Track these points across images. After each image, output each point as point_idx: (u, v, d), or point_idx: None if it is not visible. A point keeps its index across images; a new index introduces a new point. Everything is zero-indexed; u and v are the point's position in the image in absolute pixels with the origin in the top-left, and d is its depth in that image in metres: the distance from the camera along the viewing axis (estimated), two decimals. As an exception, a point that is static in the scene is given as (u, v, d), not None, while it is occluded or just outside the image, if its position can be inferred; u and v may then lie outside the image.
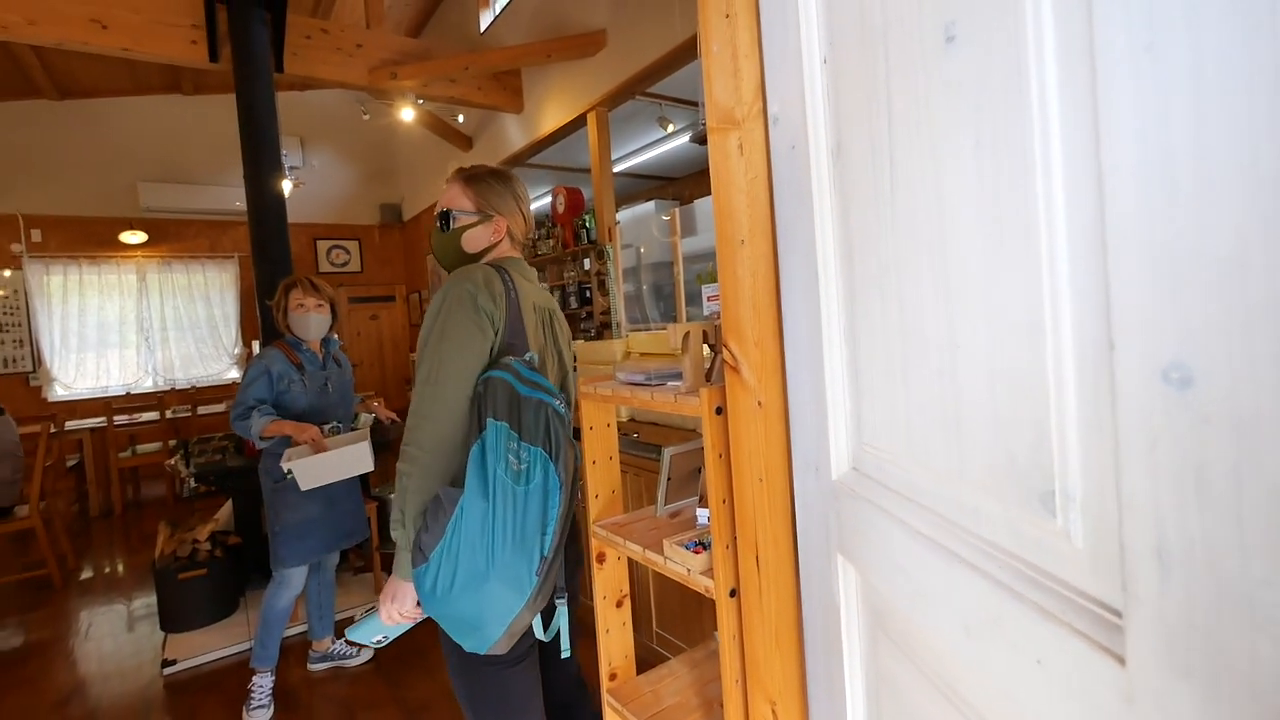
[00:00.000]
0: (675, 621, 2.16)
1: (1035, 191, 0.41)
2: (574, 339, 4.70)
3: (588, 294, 5.15)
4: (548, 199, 5.98)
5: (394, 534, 1.08)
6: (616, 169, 6.63)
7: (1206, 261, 0.31)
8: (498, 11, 5.45)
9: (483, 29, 5.66)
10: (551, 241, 5.36)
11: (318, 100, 7.17)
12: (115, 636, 3.04)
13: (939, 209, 0.52)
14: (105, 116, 6.20)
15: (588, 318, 5.16)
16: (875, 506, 0.65)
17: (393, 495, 3.82)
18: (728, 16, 0.84)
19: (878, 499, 0.65)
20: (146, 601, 3.37)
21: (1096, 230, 0.36)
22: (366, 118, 5.59)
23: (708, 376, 1.00)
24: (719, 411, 0.91)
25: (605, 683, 1.21)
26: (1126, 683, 0.36)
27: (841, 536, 0.72)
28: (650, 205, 5.10)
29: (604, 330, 4.80)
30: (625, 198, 6.24)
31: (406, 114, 5.14)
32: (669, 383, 1.08)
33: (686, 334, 0.99)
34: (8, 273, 6.11)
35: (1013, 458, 0.46)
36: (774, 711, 0.83)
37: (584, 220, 5.12)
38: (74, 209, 6.29)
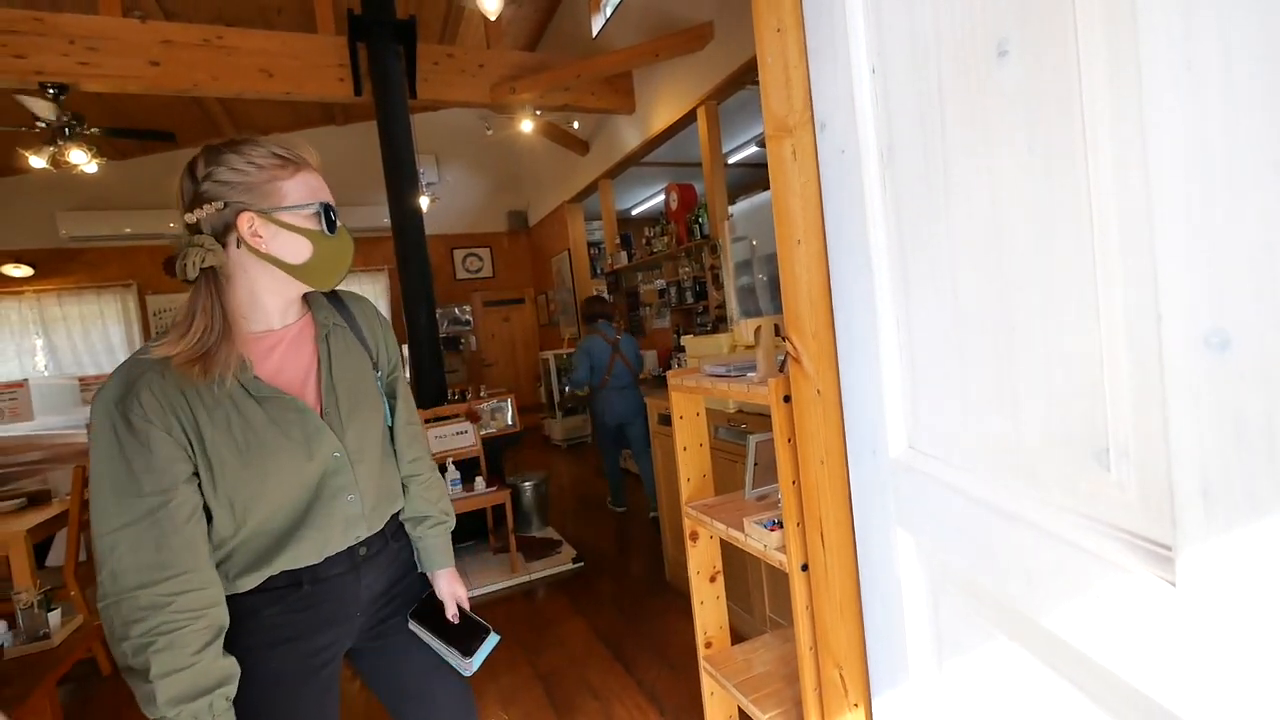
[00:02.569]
0: (786, 603, 2.21)
1: (1085, 188, 0.48)
2: (690, 333, 4.79)
3: (700, 288, 5.23)
4: (661, 197, 6.12)
5: None
6: (731, 160, 6.65)
7: (1240, 244, 0.36)
8: (608, 15, 5.63)
9: (594, 33, 5.87)
10: (666, 239, 5.48)
11: (448, 118, 7.73)
12: None
13: (993, 207, 0.58)
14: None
15: (704, 312, 5.24)
16: (934, 479, 0.70)
17: (525, 483, 4.13)
18: (779, 30, 0.90)
19: (936, 472, 0.70)
20: None
21: (1144, 218, 0.43)
22: (489, 133, 5.99)
23: (781, 368, 1.07)
24: (786, 400, 0.97)
25: (701, 650, 1.31)
26: (1178, 602, 0.42)
27: (899, 510, 0.77)
28: (766, 195, 5.08)
29: (719, 324, 4.86)
30: (741, 189, 6.24)
31: (526, 125, 5.44)
32: (747, 374, 1.15)
33: (758, 328, 1.06)
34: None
35: (1068, 423, 0.52)
36: (840, 675, 0.89)
37: (697, 215, 5.20)
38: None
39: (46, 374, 6.59)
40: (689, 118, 4.80)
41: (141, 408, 0.86)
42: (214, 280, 0.93)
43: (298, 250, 0.95)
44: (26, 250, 6.61)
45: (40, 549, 2.91)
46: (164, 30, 3.93)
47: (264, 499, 0.93)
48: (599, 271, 7.16)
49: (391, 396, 1.18)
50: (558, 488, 5.44)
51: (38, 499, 3.02)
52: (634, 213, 8.88)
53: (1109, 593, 0.47)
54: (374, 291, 7.71)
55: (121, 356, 6.94)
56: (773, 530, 1.04)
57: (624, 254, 6.19)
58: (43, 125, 4.00)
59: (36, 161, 4.26)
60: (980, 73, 0.57)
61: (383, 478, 1.10)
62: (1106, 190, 0.46)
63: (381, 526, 1.09)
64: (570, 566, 3.57)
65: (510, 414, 4.14)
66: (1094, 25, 0.45)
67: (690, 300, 5.37)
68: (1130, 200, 0.44)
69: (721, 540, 1.28)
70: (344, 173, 7.27)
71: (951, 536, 0.68)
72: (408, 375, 3.96)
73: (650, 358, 5.46)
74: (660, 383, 4.92)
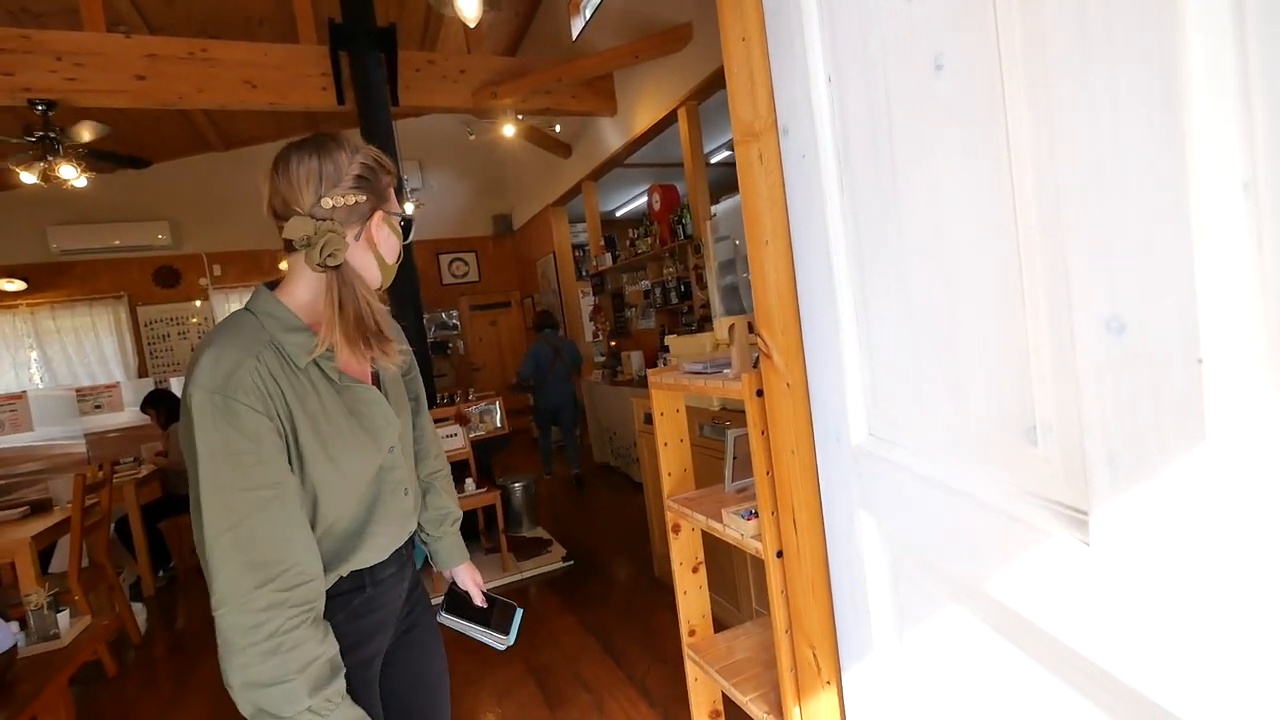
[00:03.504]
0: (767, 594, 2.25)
1: (1010, 192, 0.53)
2: (675, 333, 4.90)
3: (685, 289, 5.27)
4: (644, 198, 6.16)
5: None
6: (713, 160, 6.69)
7: (1128, 240, 0.41)
8: (588, 17, 5.67)
9: (574, 36, 5.90)
10: (650, 240, 5.53)
11: (431, 123, 7.73)
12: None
13: (936, 207, 0.62)
14: (263, 159, 7.08)
15: (688, 312, 5.29)
16: (891, 464, 0.75)
17: (515, 484, 4.17)
18: (744, 40, 0.94)
19: (893, 457, 0.75)
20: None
21: (1056, 219, 0.47)
22: (473, 138, 6.01)
23: (755, 364, 1.11)
24: (759, 394, 1.02)
25: (685, 638, 1.35)
26: (1092, 560, 0.48)
27: (862, 493, 0.82)
28: (745, 193, 5.13)
29: (704, 323, 4.91)
30: (723, 188, 6.30)
31: (508, 130, 5.47)
32: (724, 371, 1.19)
33: (732, 326, 1.10)
34: (199, 302, 7.22)
35: (1003, 404, 0.56)
36: (814, 655, 0.93)
37: (680, 215, 5.24)
38: (245, 244, 7.24)
39: (41, 386, 6.63)
40: (670, 118, 4.84)
41: (246, 393, 0.82)
42: (341, 270, 0.92)
43: (391, 251, 0.99)
44: (19, 265, 6.64)
45: (43, 555, 2.95)
46: (149, 44, 3.94)
47: (341, 494, 0.92)
48: (584, 274, 7.19)
49: (414, 396, 1.19)
50: (546, 489, 5.47)
51: (40, 507, 3.07)
52: (618, 214, 8.92)
53: (1037, 557, 0.52)
54: (360, 298, 7.70)
55: (115, 368, 6.96)
56: (749, 520, 1.08)
57: (608, 256, 6.22)
58: (32, 140, 4.00)
59: (28, 177, 4.27)
60: (921, 83, 0.61)
61: (414, 473, 1.12)
62: (1028, 195, 0.50)
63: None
64: (560, 565, 3.60)
65: (499, 416, 4.17)
66: (1014, 44, 0.49)
67: (675, 300, 5.42)
68: (1046, 202, 0.48)
69: (704, 533, 1.32)
70: (327, 179, 7.31)
71: (907, 515, 0.73)
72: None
73: (636, 358, 5.50)
74: (646, 382, 4.96)
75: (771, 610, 1.02)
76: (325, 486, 0.90)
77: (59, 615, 1.83)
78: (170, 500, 4.16)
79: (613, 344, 6.27)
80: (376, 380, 1.03)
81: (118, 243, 6.86)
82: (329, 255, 0.89)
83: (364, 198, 0.93)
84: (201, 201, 7.06)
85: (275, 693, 0.81)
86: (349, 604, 0.97)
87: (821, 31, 0.80)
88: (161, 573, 4.09)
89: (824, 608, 0.92)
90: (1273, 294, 0.34)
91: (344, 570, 0.95)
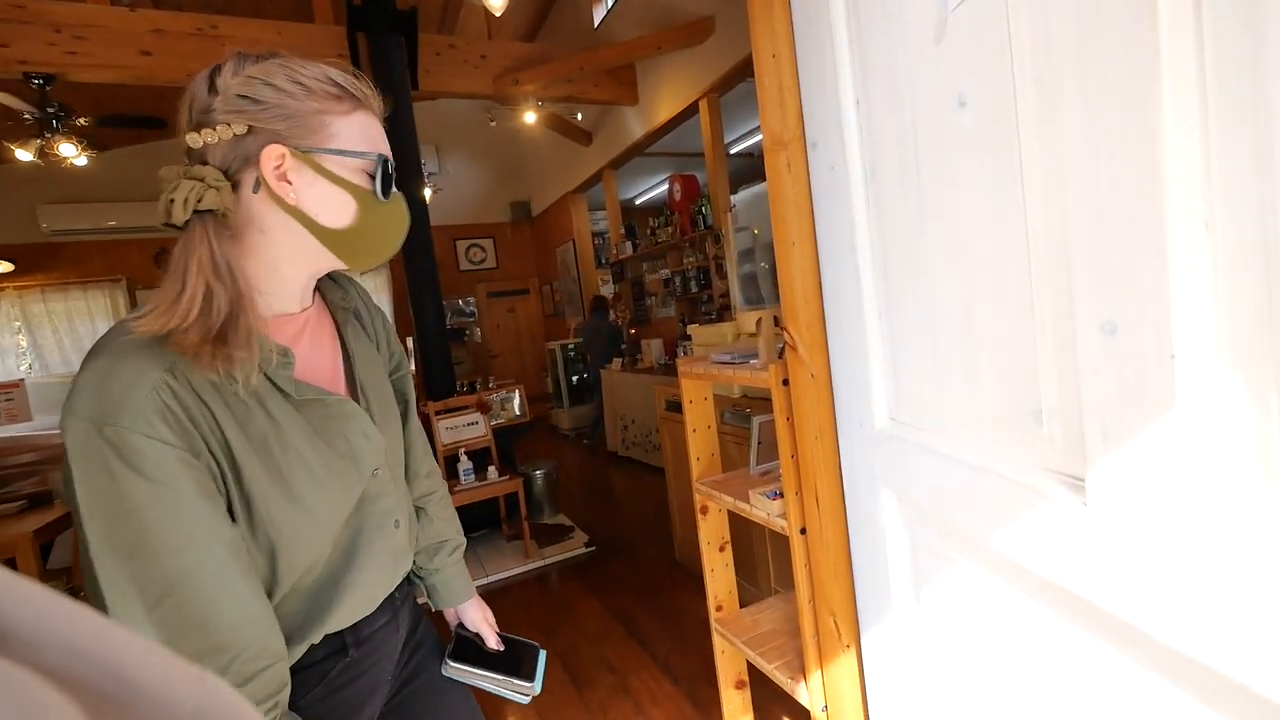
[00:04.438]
0: (788, 573, 2.34)
1: (1023, 212, 0.61)
2: (695, 322, 4.95)
3: (704, 278, 5.34)
4: (665, 186, 6.22)
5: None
6: (734, 150, 6.73)
7: (1120, 258, 0.49)
8: (610, 5, 5.70)
9: (596, 24, 5.93)
10: (670, 229, 5.59)
11: (448, 107, 7.75)
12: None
13: (957, 223, 0.70)
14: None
15: (708, 300, 5.35)
16: (912, 444, 0.83)
17: (536, 471, 4.27)
18: (774, 56, 1.01)
19: (914, 438, 0.83)
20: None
21: (1062, 235, 0.55)
22: (494, 124, 6.07)
23: (779, 355, 1.19)
24: (785, 383, 1.09)
25: (713, 613, 1.44)
26: (1088, 516, 0.56)
27: (885, 472, 0.90)
28: (766, 185, 5.18)
29: (724, 312, 4.97)
30: (742, 178, 6.34)
31: (529, 117, 5.53)
32: (750, 361, 1.27)
33: (759, 319, 1.18)
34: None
35: (1013, 392, 0.65)
36: (835, 622, 1.02)
37: (700, 205, 5.30)
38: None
39: (30, 374, 6.36)
40: (691, 109, 4.89)
41: (152, 424, 0.58)
42: (215, 230, 0.66)
43: (338, 210, 0.69)
44: (6, 245, 6.33)
45: (43, 551, 2.76)
46: (155, 19, 3.80)
47: (308, 542, 0.70)
48: (604, 261, 7.25)
49: (401, 400, 0.95)
50: (567, 476, 5.58)
51: (39, 500, 2.88)
52: (638, 202, 8.98)
53: (1041, 516, 0.61)
54: (374, 285, 7.82)
55: (111, 354, 7.02)
56: (775, 500, 1.17)
57: (629, 244, 6.29)
58: (29, 118, 3.86)
59: (23, 155, 4.10)
60: (946, 117, 0.68)
61: (408, 498, 0.90)
62: (1038, 218, 0.58)
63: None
64: (583, 551, 3.71)
65: (519, 404, 4.27)
66: (1027, 88, 0.56)
67: (695, 289, 5.48)
68: (1053, 225, 0.56)
69: (730, 513, 1.41)
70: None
71: (926, 490, 0.81)
72: (413, 368, 4.05)
73: (656, 346, 5.58)
74: (666, 370, 5.05)
75: (796, 583, 1.10)
76: (286, 535, 0.68)
77: None
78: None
79: (632, 332, 6.35)
80: (353, 384, 0.81)
81: (114, 223, 6.55)
82: (168, 208, 0.65)
83: (244, 128, 0.65)
84: None
85: None
86: (324, 674, 0.75)
87: (851, 58, 0.86)
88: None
89: (844, 579, 1.00)
90: (1224, 307, 0.42)
91: (315, 637, 0.73)
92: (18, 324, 6.56)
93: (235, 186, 0.67)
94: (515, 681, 0.96)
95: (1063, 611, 0.62)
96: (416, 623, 0.93)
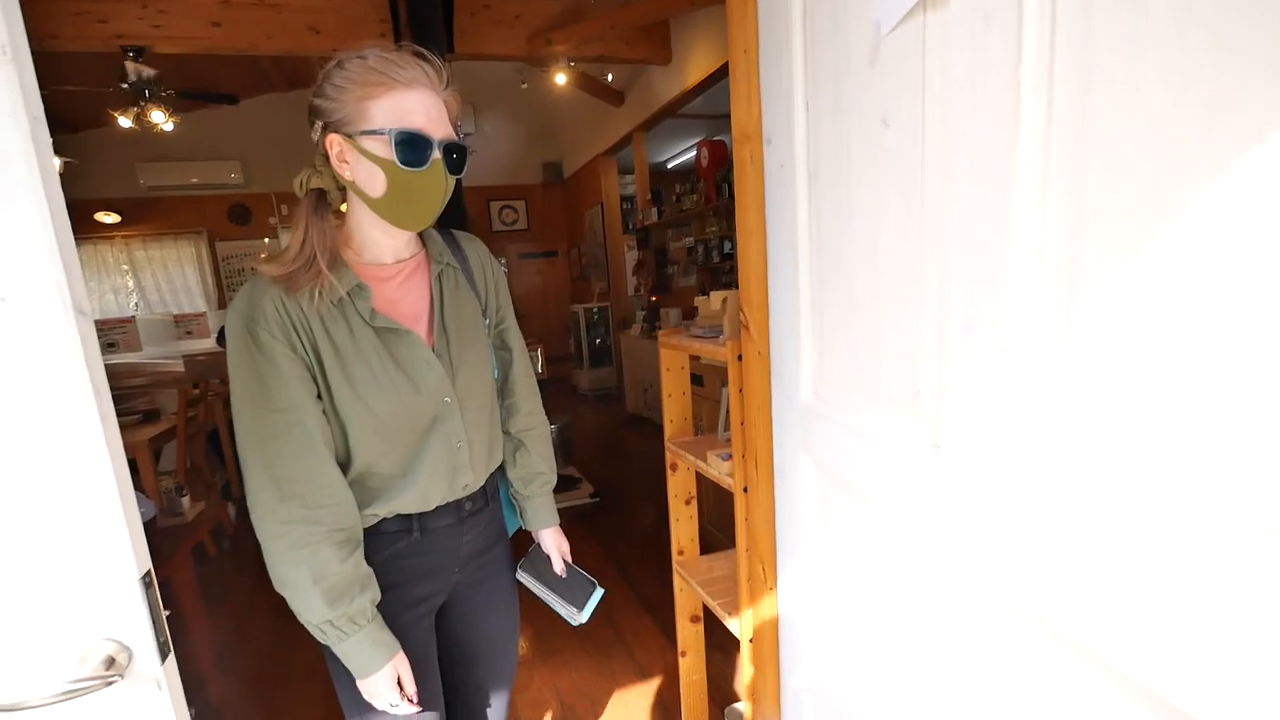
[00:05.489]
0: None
1: (920, 225, 0.70)
2: (716, 291, 5.01)
3: (727, 248, 5.39)
4: (693, 153, 6.22)
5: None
6: (763, 117, 6.64)
7: (977, 269, 0.60)
8: (646, -39, 5.63)
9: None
10: (696, 196, 5.62)
11: (485, 68, 7.82)
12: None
13: (875, 228, 0.80)
14: (323, 100, 7.35)
15: (729, 271, 5.41)
16: (828, 418, 0.95)
17: (551, 425, 4.46)
18: (745, 52, 1.10)
19: (830, 413, 0.95)
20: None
21: (941, 251, 0.66)
22: (525, 86, 6.11)
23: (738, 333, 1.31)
24: (740, 358, 1.22)
25: (675, 556, 1.60)
26: (941, 467, 0.68)
27: (806, 441, 1.02)
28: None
29: (739, 280, 5.03)
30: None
31: (560, 78, 5.57)
32: (719, 336, 1.40)
33: (724, 299, 1.30)
34: (267, 240, 7.66)
35: (902, 374, 0.76)
36: (763, 568, 1.16)
37: (727, 173, 5.31)
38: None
39: (137, 311, 7.15)
40: (724, 70, 4.87)
41: (266, 321, 0.85)
42: (318, 204, 0.90)
43: (373, 182, 0.86)
44: (113, 199, 7.12)
45: (155, 456, 3.40)
46: None
47: (374, 434, 0.92)
48: (630, 227, 7.32)
49: (505, 348, 1.14)
50: (582, 433, 5.77)
51: (149, 416, 3.52)
52: (669, 166, 8.95)
53: (913, 471, 0.73)
54: (414, 239, 8.01)
55: (198, 298, 7.50)
56: (726, 461, 1.30)
57: (654, 210, 6.34)
58: (126, 87, 4.29)
59: (124, 122, 4.63)
60: (874, 133, 0.77)
61: (491, 430, 1.07)
62: (930, 230, 0.68)
63: (484, 482, 1.07)
64: (588, 500, 3.91)
65: (540, 364, 4.45)
66: (935, 118, 0.66)
67: (717, 259, 5.53)
68: (937, 237, 0.66)
69: (697, 472, 1.55)
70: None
71: (836, 454, 0.92)
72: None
73: (675, 315, 5.67)
74: (681, 337, 5.17)
75: (737, 534, 1.25)
76: (354, 422, 0.91)
77: (182, 499, 2.26)
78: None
79: (653, 299, 6.45)
80: (434, 325, 0.98)
81: (195, 180, 7.27)
82: (298, 185, 0.91)
83: (320, 124, 0.86)
84: (268, 141, 7.35)
85: (294, 596, 0.86)
86: (394, 544, 0.98)
87: (805, 64, 0.94)
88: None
89: (770, 531, 1.14)
90: (1037, 314, 0.53)
91: (383, 510, 0.95)
92: (125, 267, 7.36)
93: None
94: (568, 606, 1.15)
95: (923, 543, 0.74)
96: (494, 541, 1.13)
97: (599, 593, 1.18)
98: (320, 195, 0.92)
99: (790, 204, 1.01)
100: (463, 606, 1.11)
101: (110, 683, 0.70)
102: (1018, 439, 0.58)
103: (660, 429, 5.35)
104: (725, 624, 1.31)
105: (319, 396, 0.90)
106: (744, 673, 1.25)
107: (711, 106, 5.99)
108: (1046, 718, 0.58)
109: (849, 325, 0.87)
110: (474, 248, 1.12)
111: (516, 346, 1.16)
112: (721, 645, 2.17)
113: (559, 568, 1.19)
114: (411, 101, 0.85)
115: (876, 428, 0.81)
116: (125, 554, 0.71)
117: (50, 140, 0.72)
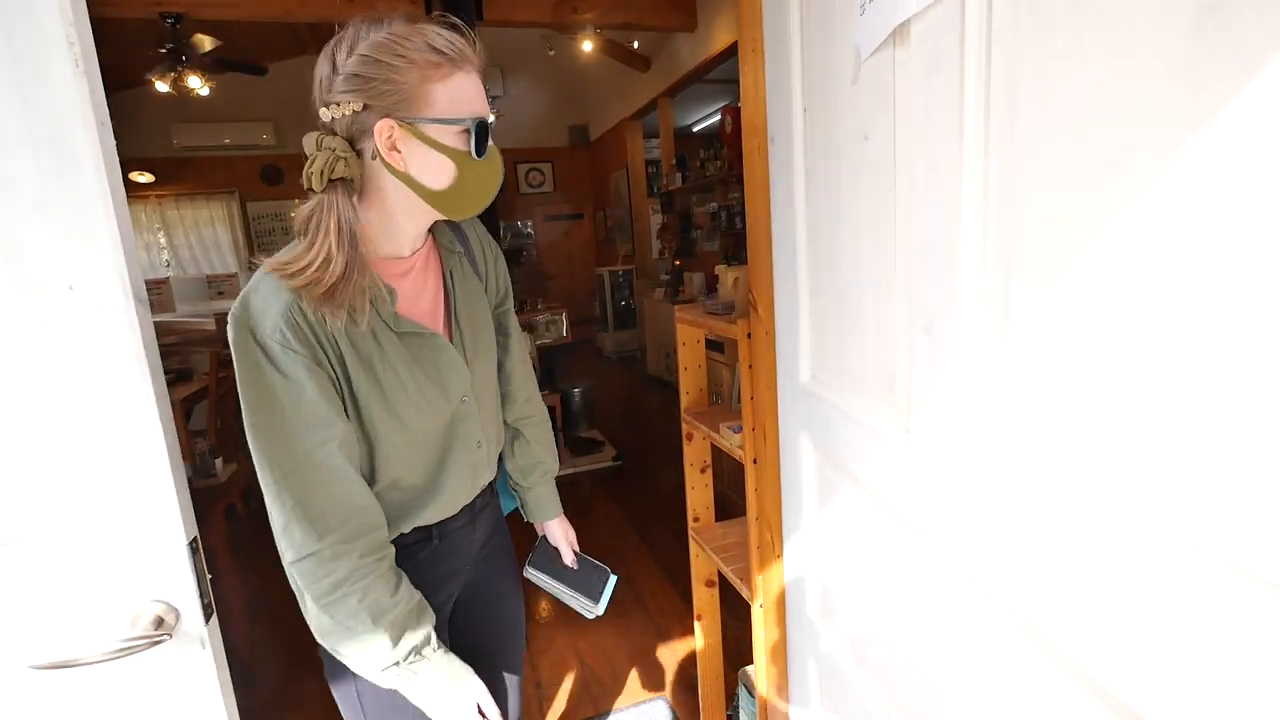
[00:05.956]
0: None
1: (893, 226, 0.76)
2: (735, 259, 5.02)
3: (749, 212, 5.37)
4: (717, 118, 6.15)
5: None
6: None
7: (936, 276, 0.67)
8: (674, -76, 5.52)
9: (659, -54, 5.77)
10: (719, 163, 5.59)
11: (512, 32, 7.76)
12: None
13: (858, 230, 0.87)
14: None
15: (751, 235, 5.41)
16: (822, 400, 1.02)
17: (574, 389, 4.57)
18: (754, 51, 1.14)
19: (824, 395, 1.02)
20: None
21: (910, 254, 0.72)
22: (552, 53, 6.08)
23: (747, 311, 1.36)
24: (749, 336, 1.28)
25: (691, 523, 1.69)
26: (911, 448, 0.75)
27: (804, 420, 1.09)
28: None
29: (763, 247, 5.04)
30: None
31: (586, 46, 5.53)
32: (731, 312, 1.45)
33: (735, 278, 1.35)
34: (298, 202, 7.76)
35: (882, 365, 0.83)
36: (770, 536, 1.24)
37: (750, 139, 5.26)
38: (340, 148, 7.69)
39: (170, 270, 7.40)
40: (747, 40, 4.81)
41: (285, 336, 0.73)
42: (344, 195, 0.76)
43: (439, 174, 0.78)
44: (147, 159, 7.27)
45: (185, 416, 3.55)
46: None
47: (405, 449, 0.85)
48: (655, 190, 7.30)
49: (503, 333, 1.06)
50: (606, 396, 5.88)
51: (182, 375, 3.61)
52: (695, 129, 8.86)
53: (889, 452, 0.80)
54: (441, 203, 8.08)
55: (230, 258, 7.67)
56: (738, 434, 1.37)
57: (679, 175, 6.32)
58: (164, 50, 4.41)
59: (161, 86, 4.76)
60: (857, 144, 0.83)
61: (497, 421, 1.03)
62: (905, 235, 0.73)
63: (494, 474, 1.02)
64: (610, 464, 4.03)
65: (564, 327, 4.53)
66: (907, 134, 0.71)
67: (739, 225, 5.53)
68: (910, 242, 0.72)
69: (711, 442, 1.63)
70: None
71: (828, 434, 1.00)
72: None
73: (698, 280, 5.71)
74: (704, 304, 5.22)
75: (747, 503, 1.32)
76: (386, 439, 0.83)
77: (215, 461, 2.38)
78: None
79: (677, 263, 6.47)
80: (453, 317, 0.92)
81: (228, 141, 7.37)
82: (309, 176, 0.75)
83: (360, 105, 0.74)
84: (301, 103, 7.35)
85: (352, 646, 0.77)
86: (413, 557, 0.91)
87: (803, 70, 0.99)
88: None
89: (777, 501, 1.21)
90: (981, 322, 0.59)
91: (406, 526, 0.89)
92: (158, 227, 7.55)
93: (359, 154, 0.78)
94: (582, 599, 1.09)
95: (898, 519, 0.82)
96: (493, 531, 1.06)
97: (613, 580, 1.13)
98: (346, 186, 0.77)
99: (790, 199, 1.06)
100: (472, 602, 1.06)
101: (159, 641, 0.76)
102: (966, 429, 0.65)
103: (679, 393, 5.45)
104: (738, 589, 1.39)
105: (345, 414, 0.80)
106: (755, 635, 1.34)
107: (736, 73, 5.89)
108: (990, 680, 0.65)
109: (840, 315, 0.94)
110: (473, 228, 1.02)
111: (515, 331, 1.09)
112: (736, 609, 2.27)
113: (569, 559, 1.14)
114: (472, 86, 0.79)
115: (862, 411, 0.88)
116: (175, 521, 0.77)
117: (114, 142, 0.80)
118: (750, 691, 1.55)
